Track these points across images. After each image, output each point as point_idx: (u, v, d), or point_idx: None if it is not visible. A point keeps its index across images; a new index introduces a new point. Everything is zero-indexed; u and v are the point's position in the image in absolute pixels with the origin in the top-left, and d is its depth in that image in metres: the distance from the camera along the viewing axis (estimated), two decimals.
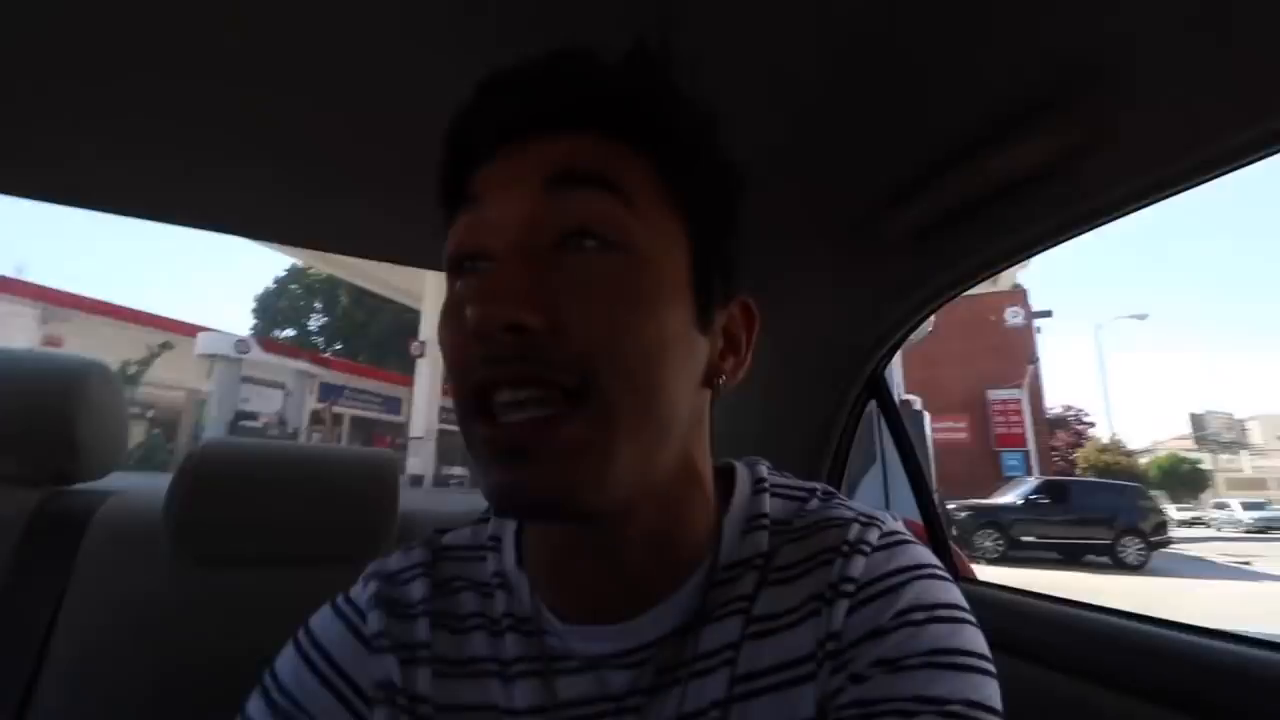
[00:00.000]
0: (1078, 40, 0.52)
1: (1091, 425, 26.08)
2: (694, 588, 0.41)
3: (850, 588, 0.38)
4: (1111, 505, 10.60)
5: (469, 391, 0.35)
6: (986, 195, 0.69)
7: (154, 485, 0.84)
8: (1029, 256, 0.80)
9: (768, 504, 0.45)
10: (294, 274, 26.57)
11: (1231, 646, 0.67)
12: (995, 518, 10.77)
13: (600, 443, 0.34)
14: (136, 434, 13.78)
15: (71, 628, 0.74)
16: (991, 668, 0.36)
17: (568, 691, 0.40)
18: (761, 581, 0.41)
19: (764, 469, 0.48)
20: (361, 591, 0.44)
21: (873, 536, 0.40)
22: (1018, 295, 16.66)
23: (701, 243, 0.41)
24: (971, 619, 0.38)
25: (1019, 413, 15.16)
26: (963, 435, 15.33)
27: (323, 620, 0.44)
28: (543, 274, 0.35)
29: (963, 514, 10.81)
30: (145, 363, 12.80)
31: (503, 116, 0.38)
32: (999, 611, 0.85)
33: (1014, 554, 10.38)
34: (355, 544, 0.86)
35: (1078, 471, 20.11)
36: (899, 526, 0.43)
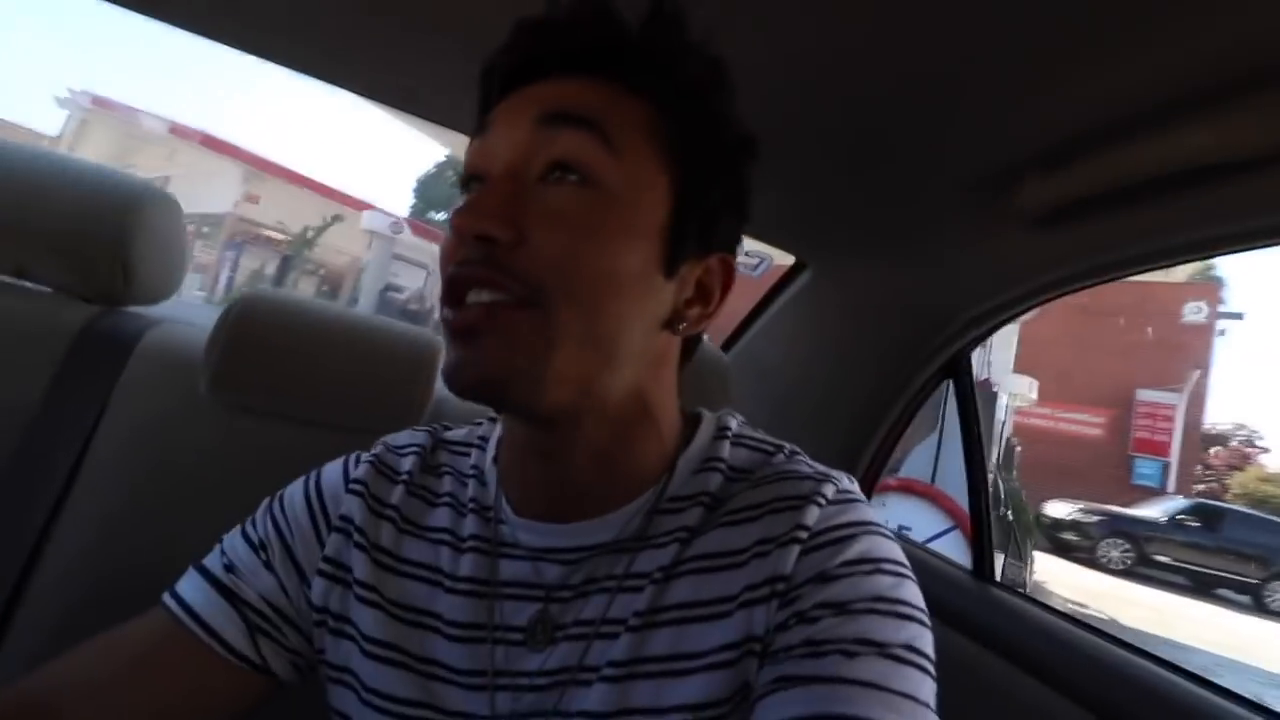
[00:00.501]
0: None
1: (1262, 450, 22.74)
2: (637, 510, 0.45)
3: (803, 534, 0.41)
4: (1272, 545, 9.66)
5: (444, 286, 0.41)
6: (1164, 179, 0.60)
7: (207, 320, 0.83)
8: (1174, 264, 0.71)
9: (726, 450, 0.48)
10: (450, 162, 28.01)
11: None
12: (1129, 529, 10.06)
13: (540, 340, 0.39)
14: (307, 289, 15.66)
15: (103, 449, 0.75)
16: (928, 621, 0.40)
17: (506, 572, 0.46)
18: (708, 520, 0.45)
19: (733, 421, 0.51)
20: (371, 450, 0.54)
21: (829, 491, 0.44)
22: (1207, 289, 14.24)
23: (684, 193, 0.43)
24: (912, 577, 0.41)
25: (1170, 419, 13.41)
26: (1096, 431, 13.86)
27: (332, 464, 0.54)
28: (520, 197, 0.40)
29: (1089, 517, 10.18)
30: (320, 229, 14.63)
31: (520, 57, 0.43)
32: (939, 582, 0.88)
33: (1141, 570, 9.77)
34: (387, 418, 0.82)
35: (1228, 496, 17.88)
36: (854, 488, 0.46)
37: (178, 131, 14.47)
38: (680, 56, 0.43)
